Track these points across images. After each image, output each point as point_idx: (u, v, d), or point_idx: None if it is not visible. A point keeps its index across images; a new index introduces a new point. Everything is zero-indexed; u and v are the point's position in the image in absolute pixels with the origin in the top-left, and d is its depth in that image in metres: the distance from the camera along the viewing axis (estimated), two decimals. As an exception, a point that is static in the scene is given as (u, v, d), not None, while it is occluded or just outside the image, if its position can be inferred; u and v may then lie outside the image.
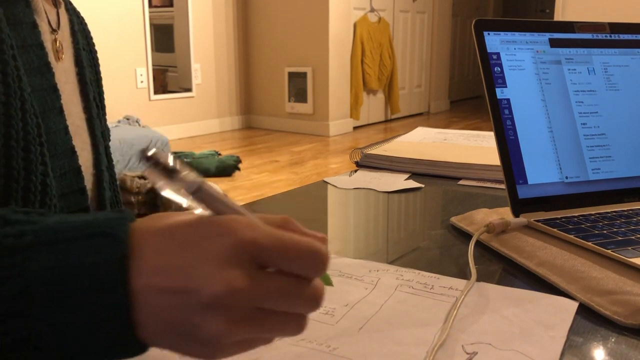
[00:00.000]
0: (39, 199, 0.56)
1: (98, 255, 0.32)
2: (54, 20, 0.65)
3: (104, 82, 0.77)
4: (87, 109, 0.69)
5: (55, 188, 0.59)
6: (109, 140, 0.78)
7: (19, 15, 0.58)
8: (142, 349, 0.34)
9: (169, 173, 0.31)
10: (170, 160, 0.32)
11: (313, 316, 0.43)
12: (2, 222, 0.34)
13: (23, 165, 0.55)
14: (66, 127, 0.62)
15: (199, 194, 0.33)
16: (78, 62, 0.68)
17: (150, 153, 0.31)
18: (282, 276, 0.34)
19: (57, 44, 0.64)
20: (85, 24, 0.76)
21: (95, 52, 0.76)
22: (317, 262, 0.34)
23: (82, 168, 0.64)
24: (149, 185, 2.99)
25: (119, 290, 0.32)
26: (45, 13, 0.63)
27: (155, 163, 0.31)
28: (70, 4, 0.72)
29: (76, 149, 0.63)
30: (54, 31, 0.64)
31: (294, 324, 0.35)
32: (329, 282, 0.42)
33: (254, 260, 0.33)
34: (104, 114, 0.77)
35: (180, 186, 0.32)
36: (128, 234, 0.33)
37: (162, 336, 0.33)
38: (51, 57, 0.61)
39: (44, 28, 0.62)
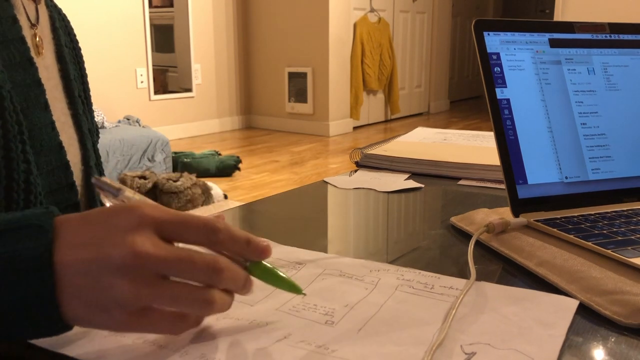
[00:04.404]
0: (22, 197, 0.55)
1: (26, 242, 0.37)
2: (33, 15, 0.64)
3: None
4: (71, 104, 0.68)
5: (41, 185, 0.58)
6: (98, 136, 0.77)
7: None
8: (65, 327, 0.38)
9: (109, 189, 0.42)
10: (108, 182, 0.42)
11: (313, 318, 0.44)
12: None
13: (4, 164, 0.54)
14: (52, 122, 0.61)
15: (118, 196, 0.42)
16: (60, 58, 0.67)
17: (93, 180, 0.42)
18: (182, 247, 0.39)
19: (37, 39, 0.63)
20: (68, 21, 0.75)
21: (79, 49, 0.75)
22: (211, 231, 0.39)
23: (70, 164, 0.64)
24: (149, 185, 2.99)
25: (45, 269, 0.36)
26: (24, 7, 0.62)
27: (100, 187, 0.42)
28: (51, 0, 0.71)
29: (63, 145, 0.63)
30: (33, 26, 0.63)
31: (200, 297, 0.38)
32: (297, 290, 0.44)
33: (157, 231, 0.38)
34: (91, 110, 0.76)
35: (106, 194, 0.42)
36: (53, 225, 0.38)
37: (82, 311, 0.37)
38: (32, 52, 0.60)
39: (23, 23, 0.61)
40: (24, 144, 0.56)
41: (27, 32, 0.61)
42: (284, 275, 0.44)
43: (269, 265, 0.44)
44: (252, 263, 0.43)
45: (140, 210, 0.38)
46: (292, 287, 0.44)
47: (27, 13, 0.63)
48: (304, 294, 0.45)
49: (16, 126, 0.55)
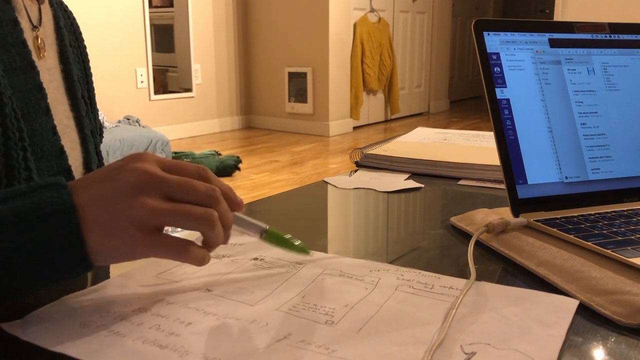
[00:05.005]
0: None
1: (49, 193, 0.41)
2: (35, 17, 0.63)
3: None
4: (74, 107, 0.67)
5: None
6: (101, 137, 0.76)
7: None
8: (89, 265, 0.42)
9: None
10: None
11: (313, 318, 0.44)
12: None
13: (5, 172, 0.54)
14: (54, 127, 0.61)
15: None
16: (63, 59, 0.66)
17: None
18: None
19: (39, 41, 0.62)
20: (74, 19, 0.73)
21: (85, 47, 0.74)
22: (203, 169, 0.46)
23: (72, 168, 0.63)
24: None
25: (70, 210, 0.41)
26: (25, 9, 0.61)
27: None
28: None
29: (65, 148, 0.62)
30: (34, 28, 0.62)
31: (207, 214, 0.43)
32: (304, 251, 0.54)
33: (159, 165, 0.44)
34: (95, 110, 0.75)
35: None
36: (68, 182, 0.43)
37: (102, 239, 0.41)
38: (33, 55, 0.60)
39: (24, 25, 0.60)
40: (25, 150, 0.56)
41: (28, 35, 0.60)
42: (296, 242, 0.53)
43: (281, 233, 0.52)
44: (269, 233, 0.51)
45: (142, 152, 0.44)
46: (301, 250, 0.54)
47: (29, 14, 0.62)
48: (309, 252, 0.54)
49: (17, 133, 0.55)
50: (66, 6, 0.72)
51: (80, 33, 0.73)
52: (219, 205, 0.45)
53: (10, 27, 0.57)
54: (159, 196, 0.42)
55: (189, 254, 0.44)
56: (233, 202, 0.48)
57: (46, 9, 0.65)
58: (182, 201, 0.43)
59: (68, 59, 0.67)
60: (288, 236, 0.53)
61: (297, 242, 0.53)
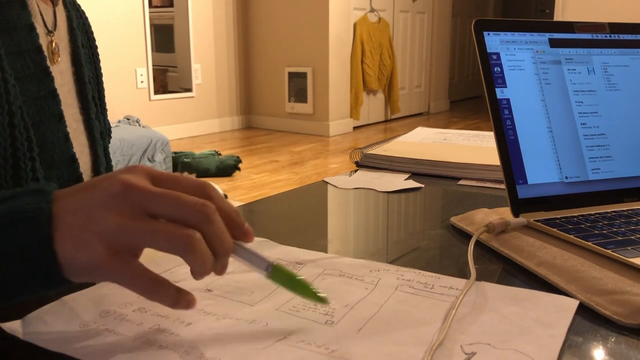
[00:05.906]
0: None
1: (27, 199, 0.38)
2: (50, 20, 0.62)
3: (104, 82, 0.75)
4: (84, 109, 0.66)
5: None
6: (110, 138, 0.76)
7: (13, 19, 0.55)
8: (63, 280, 0.38)
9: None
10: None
11: (313, 318, 0.44)
12: None
13: (12, 184, 0.53)
14: (66, 134, 0.60)
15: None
16: (75, 61, 0.66)
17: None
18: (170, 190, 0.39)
19: (53, 46, 0.62)
20: (86, 18, 0.72)
21: (96, 47, 0.73)
22: (202, 185, 0.40)
23: (82, 176, 0.62)
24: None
25: (42, 220, 0.37)
26: (41, 13, 0.60)
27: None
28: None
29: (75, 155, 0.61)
30: (49, 33, 0.61)
31: (183, 233, 0.37)
32: (322, 300, 0.42)
33: (149, 179, 0.39)
34: (104, 110, 0.75)
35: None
36: (54, 189, 0.40)
37: (70, 248, 0.37)
38: (48, 61, 0.59)
39: (39, 30, 0.59)
40: (33, 160, 0.55)
41: (43, 40, 0.60)
42: (311, 285, 0.43)
43: (293, 272, 0.43)
44: (275, 269, 0.42)
45: (137, 164, 0.41)
46: (317, 298, 0.42)
47: (44, 19, 0.61)
48: (329, 303, 0.44)
49: (26, 143, 0.54)
50: (79, 5, 0.71)
51: (92, 32, 0.73)
52: (210, 225, 0.38)
53: (26, 33, 0.56)
54: (137, 211, 0.37)
55: (158, 294, 0.38)
56: (238, 228, 0.41)
57: (60, 10, 0.64)
58: (166, 217, 0.38)
59: (80, 60, 0.66)
60: (300, 277, 0.43)
61: (315, 289, 0.42)
